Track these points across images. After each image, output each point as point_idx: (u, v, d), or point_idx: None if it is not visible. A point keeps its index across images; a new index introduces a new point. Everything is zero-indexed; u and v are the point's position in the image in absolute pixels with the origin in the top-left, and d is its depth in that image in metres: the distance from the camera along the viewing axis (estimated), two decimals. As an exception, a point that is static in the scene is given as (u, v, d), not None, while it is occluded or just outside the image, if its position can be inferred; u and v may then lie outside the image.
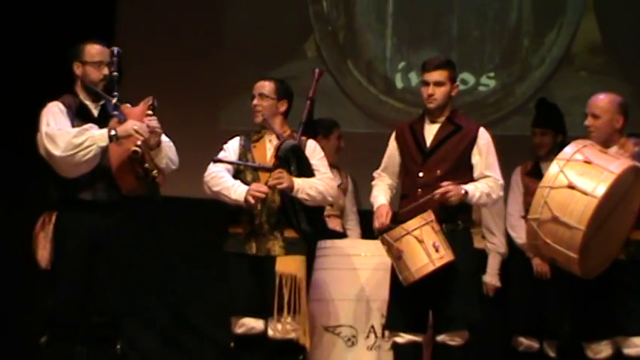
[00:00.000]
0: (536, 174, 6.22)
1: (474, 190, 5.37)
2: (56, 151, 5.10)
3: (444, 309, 5.32)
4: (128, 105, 5.29)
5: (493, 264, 6.57)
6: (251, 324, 5.52)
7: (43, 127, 5.16)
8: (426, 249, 5.19)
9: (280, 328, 5.47)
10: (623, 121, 5.52)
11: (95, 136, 5.13)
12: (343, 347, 5.96)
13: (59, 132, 5.13)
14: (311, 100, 5.71)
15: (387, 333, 5.73)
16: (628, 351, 5.42)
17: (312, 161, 5.60)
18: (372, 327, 5.93)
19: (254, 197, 5.41)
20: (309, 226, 5.52)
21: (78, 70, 5.34)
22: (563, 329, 6.04)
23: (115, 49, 5.32)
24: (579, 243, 5.00)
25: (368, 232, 6.14)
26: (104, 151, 5.16)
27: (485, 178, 5.43)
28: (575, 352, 5.72)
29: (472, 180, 5.42)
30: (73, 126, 5.19)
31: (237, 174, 5.61)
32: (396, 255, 5.25)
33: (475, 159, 5.45)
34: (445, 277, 5.23)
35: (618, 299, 5.42)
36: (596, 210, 4.97)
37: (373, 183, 5.66)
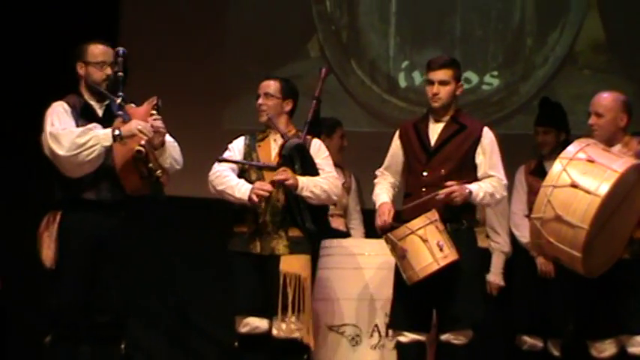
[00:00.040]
0: (539, 173, 6.22)
1: (478, 189, 5.37)
2: (60, 151, 5.11)
3: (448, 308, 5.32)
4: (132, 105, 5.29)
5: (497, 263, 6.57)
6: (255, 323, 5.52)
7: (48, 127, 5.17)
8: (430, 248, 5.20)
9: (284, 328, 5.47)
10: (626, 119, 5.52)
11: (99, 135, 5.14)
12: (347, 346, 5.96)
13: (63, 132, 5.14)
14: (317, 99, 5.72)
15: (390, 332, 5.72)
16: (632, 350, 5.42)
17: (317, 160, 5.61)
18: (376, 326, 5.93)
19: (258, 195, 5.42)
20: (314, 225, 5.52)
21: (81, 70, 5.35)
22: (567, 328, 6.04)
23: (121, 50, 5.32)
24: (582, 242, 5.00)
25: (371, 231, 6.14)
26: (108, 150, 5.16)
27: (489, 177, 5.43)
28: (579, 351, 5.72)
29: (476, 179, 5.42)
30: (78, 126, 5.19)
31: (242, 173, 5.61)
32: (400, 254, 5.25)
33: (479, 158, 5.45)
34: (449, 277, 5.23)
35: (622, 298, 5.41)
36: (599, 209, 4.97)
37: (375, 181, 5.66)
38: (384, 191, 5.58)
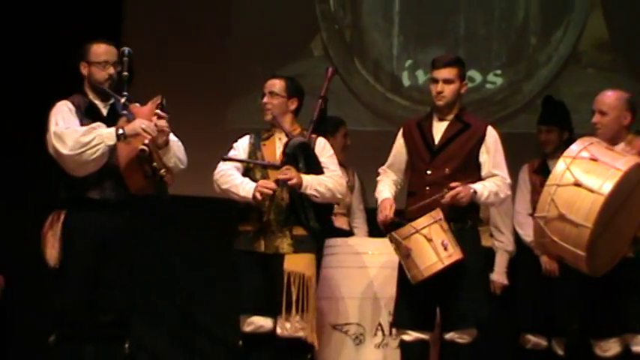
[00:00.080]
0: (543, 171, 6.22)
1: (483, 189, 5.37)
2: (64, 150, 5.12)
3: (452, 307, 5.32)
4: (137, 104, 5.30)
5: (501, 262, 6.56)
6: (259, 322, 5.53)
7: (52, 127, 5.18)
8: (434, 247, 5.20)
9: (289, 327, 5.47)
10: (630, 117, 5.52)
11: (103, 134, 5.15)
12: (351, 345, 5.96)
13: (67, 131, 5.15)
14: (323, 98, 5.71)
15: (394, 331, 5.73)
16: (636, 348, 5.42)
17: (322, 159, 5.61)
18: (380, 325, 5.93)
19: (261, 193, 5.42)
20: (318, 224, 5.52)
21: (84, 70, 5.36)
22: (572, 327, 6.03)
23: (126, 50, 5.32)
24: (586, 241, 5.00)
25: (375, 230, 6.14)
26: (112, 150, 5.17)
27: (493, 176, 5.43)
28: (583, 350, 5.71)
29: (479, 178, 5.42)
30: (82, 125, 5.20)
31: (247, 172, 5.62)
32: (405, 253, 5.25)
33: (483, 157, 5.45)
34: (453, 275, 5.23)
35: (626, 297, 5.41)
36: (602, 207, 4.97)
37: (378, 178, 5.67)
38: (386, 188, 5.58)
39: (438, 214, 5.26)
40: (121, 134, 5.14)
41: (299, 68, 7.51)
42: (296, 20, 7.94)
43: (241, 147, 5.69)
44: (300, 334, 5.49)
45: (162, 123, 5.21)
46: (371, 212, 6.53)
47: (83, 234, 5.20)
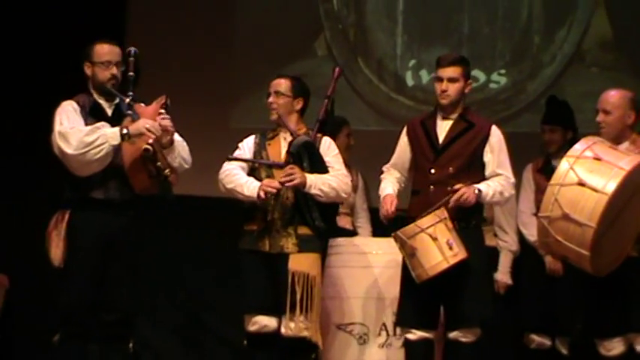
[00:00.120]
0: (547, 171, 6.20)
1: (487, 189, 5.37)
2: (68, 149, 5.12)
3: (456, 306, 5.32)
4: (142, 104, 5.30)
5: (505, 262, 6.56)
6: (264, 322, 5.53)
7: (57, 126, 5.19)
8: (439, 247, 5.20)
9: (293, 327, 5.47)
10: (634, 117, 5.52)
11: (107, 134, 5.15)
12: (355, 345, 5.96)
13: (71, 130, 5.15)
14: (329, 98, 5.71)
15: (398, 330, 5.73)
16: (640, 347, 5.43)
17: (327, 158, 5.60)
18: (384, 325, 5.93)
19: (265, 192, 5.42)
20: (323, 223, 5.53)
21: (88, 70, 5.37)
22: (576, 326, 6.03)
23: (132, 50, 5.33)
24: (590, 240, 5.00)
25: (379, 229, 6.14)
26: (117, 149, 5.18)
27: (497, 176, 5.43)
28: (587, 349, 5.71)
29: (483, 178, 5.43)
30: (87, 125, 5.21)
31: (252, 172, 5.62)
32: (410, 252, 5.26)
33: (487, 157, 5.45)
34: (457, 275, 5.23)
35: (630, 296, 5.41)
36: (606, 207, 4.97)
37: (382, 177, 5.67)
38: (389, 185, 5.58)
39: (443, 213, 5.26)
40: (125, 134, 5.15)
41: (302, 68, 7.51)
42: (299, 20, 7.94)
43: (247, 147, 5.69)
44: (305, 333, 5.48)
45: (167, 123, 5.22)
46: (374, 212, 6.52)
47: (87, 234, 5.21)
